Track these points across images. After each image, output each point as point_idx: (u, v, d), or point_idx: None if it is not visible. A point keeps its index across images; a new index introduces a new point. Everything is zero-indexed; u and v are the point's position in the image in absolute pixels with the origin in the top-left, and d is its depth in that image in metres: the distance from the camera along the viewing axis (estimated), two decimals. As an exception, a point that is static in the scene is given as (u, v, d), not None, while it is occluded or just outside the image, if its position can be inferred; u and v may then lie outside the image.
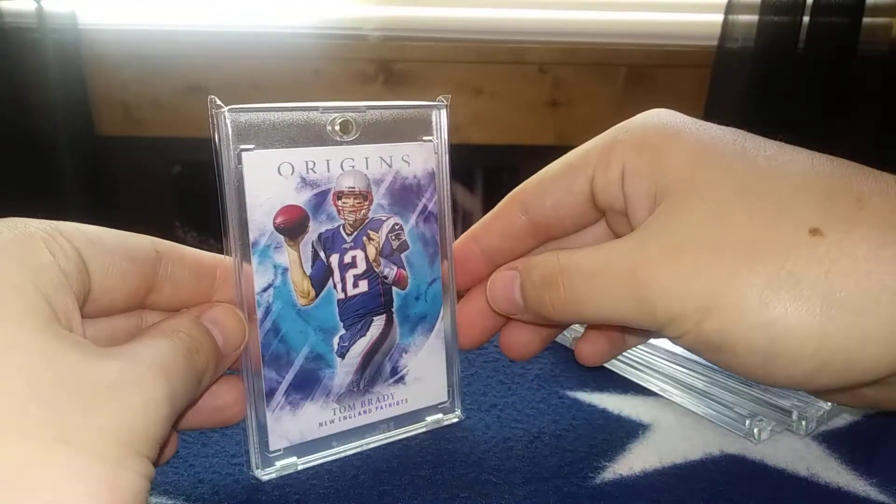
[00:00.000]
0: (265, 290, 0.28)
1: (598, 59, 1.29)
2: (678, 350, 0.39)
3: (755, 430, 0.34)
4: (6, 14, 1.20)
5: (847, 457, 0.34)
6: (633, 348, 0.41)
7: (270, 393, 0.29)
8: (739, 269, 0.22)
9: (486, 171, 1.27)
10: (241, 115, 0.27)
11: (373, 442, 0.32)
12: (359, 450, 0.32)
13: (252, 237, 0.27)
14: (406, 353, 0.32)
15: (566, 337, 0.44)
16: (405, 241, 0.31)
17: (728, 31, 1.27)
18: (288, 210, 0.28)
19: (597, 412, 0.37)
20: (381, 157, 0.30)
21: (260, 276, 0.27)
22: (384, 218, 0.31)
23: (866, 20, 1.26)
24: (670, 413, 0.37)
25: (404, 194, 0.31)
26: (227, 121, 0.26)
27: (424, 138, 0.31)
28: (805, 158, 0.23)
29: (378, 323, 0.31)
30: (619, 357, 0.41)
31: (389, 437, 0.33)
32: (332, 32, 1.25)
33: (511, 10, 1.29)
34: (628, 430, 0.36)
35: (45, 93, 1.18)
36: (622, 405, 0.38)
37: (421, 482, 0.31)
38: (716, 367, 0.38)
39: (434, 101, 0.31)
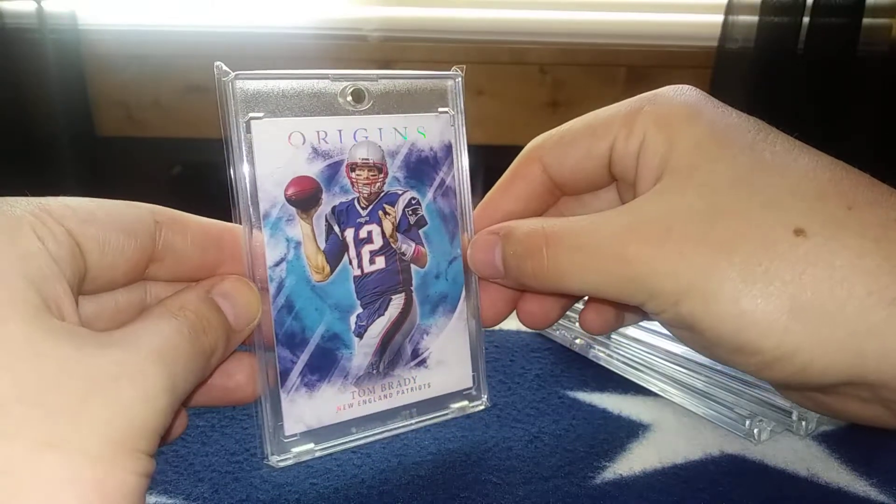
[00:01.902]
0: (277, 264, 0.27)
1: (599, 60, 1.29)
2: (678, 350, 0.39)
3: (755, 431, 0.34)
4: (6, 14, 1.20)
5: (847, 457, 0.34)
6: (634, 349, 0.41)
7: (285, 373, 0.27)
8: (719, 259, 0.22)
9: (486, 171, 1.27)
10: (249, 82, 0.26)
11: (394, 429, 0.30)
12: (380, 437, 0.30)
13: (263, 208, 0.26)
14: (427, 334, 0.30)
15: (566, 337, 0.44)
16: (423, 216, 0.30)
17: (728, 31, 1.27)
18: (300, 181, 0.27)
19: (597, 412, 0.37)
20: (395, 129, 0.29)
21: (272, 250, 0.26)
22: (400, 192, 0.29)
23: (866, 21, 1.26)
24: (670, 413, 0.37)
25: (420, 167, 0.30)
26: (236, 88, 0.25)
27: (440, 110, 0.30)
28: (809, 159, 0.23)
29: (397, 302, 0.30)
30: (620, 357, 0.41)
31: (412, 425, 0.31)
32: (333, 33, 1.25)
33: (512, 10, 1.29)
34: (628, 430, 0.36)
35: (46, 93, 1.18)
36: (622, 405, 0.38)
37: (421, 482, 0.31)
38: (716, 367, 0.38)
39: (449, 71, 0.30)
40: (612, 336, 0.42)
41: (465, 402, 0.32)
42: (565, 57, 1.28)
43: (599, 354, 0.42)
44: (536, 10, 1.29)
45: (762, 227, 0.22)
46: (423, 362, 0.31)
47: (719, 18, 1.28)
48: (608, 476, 0.32)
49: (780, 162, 0.23)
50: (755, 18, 1.25)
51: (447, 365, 0.31)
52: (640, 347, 0.41)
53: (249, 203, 0.26)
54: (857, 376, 0.21)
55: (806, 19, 1.25)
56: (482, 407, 0.32)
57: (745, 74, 1.24)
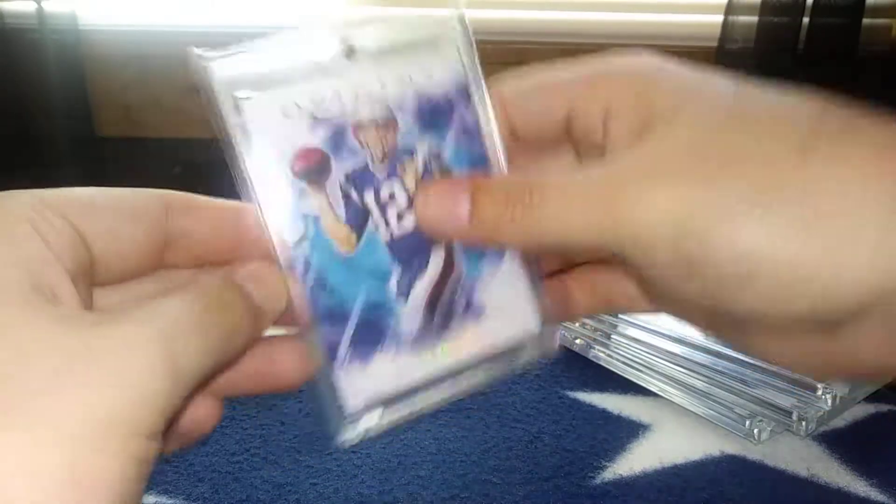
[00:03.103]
0: (299, 242, 0.26)
1: (599, 60, 1.29)
2: (678, 351, 0.39)
3: (755, 431, 0.34)
4: (6, 14, 1.20)
5: (847, 457, 0.34)
6: (634, 349, 0.41)
7: (333, 349, 0.26)
8: (719, 188, 0.21)
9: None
10: (227, 61, 0.25)
11: (461, 391, 0.28)
12: (447, 399, 0.28)
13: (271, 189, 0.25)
14: (477, 284, 0.29)
15: (566, 338, 0.44)
16: (447, 163, 0.28)
17: (728, 31, 1.27)
18: (304, 154, 0.26)
19: (597, 412, 0.37)
20: (398, 78, 0.27)
21: (290, 229, 0.26)
22: (418, 143, 0.28)
23: (866, 21, 1.26)
24: (670, 413, 0.37)
25: (435, 114, 0.28)
26: (215, 71, 0.24)
27: (446, 51, 0.28)
28: (796, 93, 0.23)
29: (436, 258, 0.28)
30: (620, 357, 0.41)
31: (479, 382, 0.29)
32: (333, 33, 1.25)
33: (512, 10, 1.29)
34: (628, 430, 0.36)
35: (46, 93, 1.18)
36: (622, 405, 0.38)
37: (421, 482, 0.31)
38: (716, 368, 0.37)
39: (446, 8, 0.28)
40: (612, 336, 0.42)
41: (533, 350, 0.29)
42: (565, 57, 1.28)
43: (599, 354, 0.42)
44: (537, 11, 1.29)
45: (762, 150, 0.21)
46: (478, 313, 0.29)
47: (719, 18, 1.27)
48: (608, 476, 0.32)
49: (769, 96, 0.22)
50: (755, 18, 1.25)
51: (506, 312, 0.29)
52: (640, 348, 0.41)
53: (255, 186, 0.25)
54: (883, 294, 0.20)
55: (806, 19, 1.25)
56: (552, 353, 0.29)
57: (746, 75, 1.24)
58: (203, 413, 0.24)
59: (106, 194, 0.22)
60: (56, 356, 0.16)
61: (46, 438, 0.15)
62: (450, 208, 0.27)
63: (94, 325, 0.17)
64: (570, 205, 0.24)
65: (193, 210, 0.24)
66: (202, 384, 0.20)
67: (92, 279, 0.21)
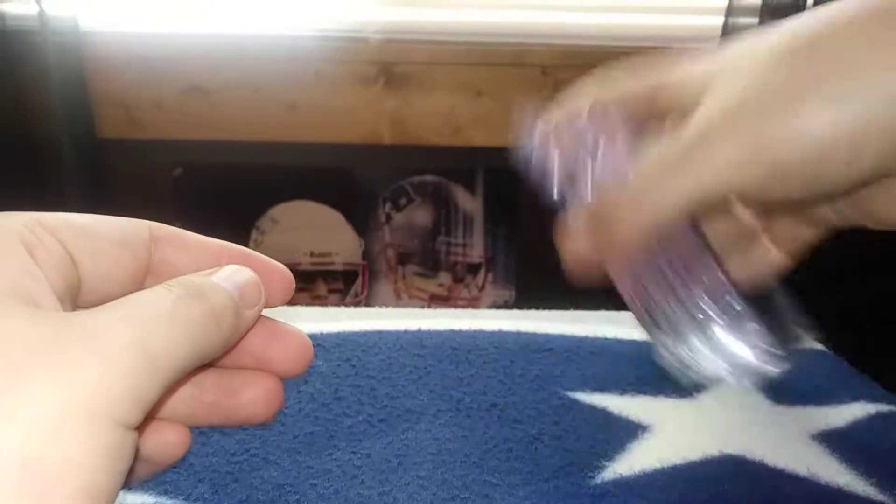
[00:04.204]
0: None
1: (600, 62, 1.29)
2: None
3: None
4: (8, 17, 1.20)
5: (847, 457, 0.34)
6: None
7: None
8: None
9: (486, 172, 1.27)
10: None
11: None
12: None
13: None
14: None
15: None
16: None
17: (729, 33, 1.27)
18: None
19: (597, 412, 0.37)
20: None
21: None
22: None
23: (867, 22, 1.26)
24: (670, 413, 0.37)
25: None
26: None
27: None
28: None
29: None
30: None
31: None
32: (334, 35, 1.26)
33: (512, 12, 1.29)
34: (628, 430, 0.36)
35: (47, 95, 1.18)
36: (622, 405, 0.38)
37: (421, 482, 0.31)
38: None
39: None
40: None
41: None
42: (566, 59, 1.28)
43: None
44: (537, 12, 1.29)
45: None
46: None
47: (720, 20, 1.28)
48: (608, 476, 0.32)
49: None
50: (755, 20, 1.25)
51: None
52: None
53: None
54: None
55: (806, 21, 1.25)
56: None
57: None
58: (173, 438, 0.23)
59: (97, 219, 0.22)
60: (21, 345, 0.16)
61: (6, 421, 0.14)
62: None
63: (65, 318, 0.17)
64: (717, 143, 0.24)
65: (179, 243, 0.24)
66: (184, 377, 0.20)
67: (76, 300, 0.21)
